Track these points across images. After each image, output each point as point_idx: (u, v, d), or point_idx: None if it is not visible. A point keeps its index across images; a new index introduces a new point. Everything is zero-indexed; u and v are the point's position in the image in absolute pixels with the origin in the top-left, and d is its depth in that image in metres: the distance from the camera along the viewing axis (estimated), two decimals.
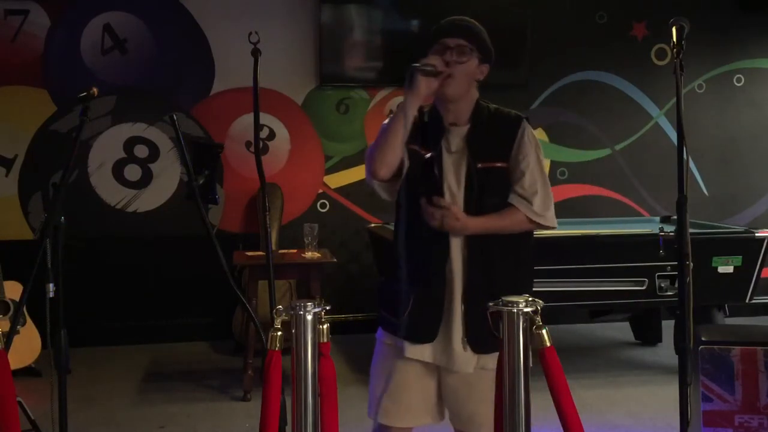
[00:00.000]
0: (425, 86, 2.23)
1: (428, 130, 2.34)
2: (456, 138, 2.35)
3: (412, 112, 2.24)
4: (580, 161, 6.35)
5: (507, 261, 2.34)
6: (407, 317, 2.32)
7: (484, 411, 2.23)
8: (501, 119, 2.38)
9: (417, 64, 2.24)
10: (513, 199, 2.33)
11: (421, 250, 2.32)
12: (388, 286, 2.43)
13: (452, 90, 2.30)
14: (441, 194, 2.31)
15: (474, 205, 2.31)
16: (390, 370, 2.38)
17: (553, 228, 2.38)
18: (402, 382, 2.38)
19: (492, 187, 2.33)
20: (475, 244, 2.31)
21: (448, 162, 2.33)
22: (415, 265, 2.31)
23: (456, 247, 2.31)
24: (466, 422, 2.40)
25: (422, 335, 2.33)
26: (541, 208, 2.32)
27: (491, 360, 2.13)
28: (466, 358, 2.32)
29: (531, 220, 2.33)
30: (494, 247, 2.32)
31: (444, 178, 2.33)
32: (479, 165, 2.31)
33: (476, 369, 2.33)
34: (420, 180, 2.32)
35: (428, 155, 2.32)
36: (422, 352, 2.34)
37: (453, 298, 2.31)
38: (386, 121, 2.36)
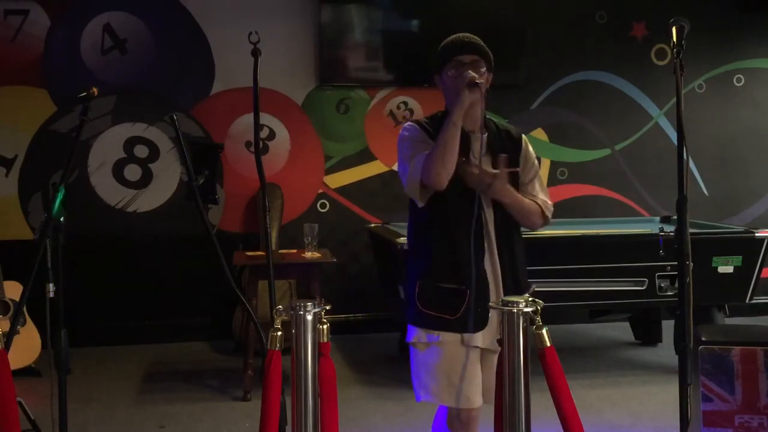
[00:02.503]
0: (470, 99, 2.50)
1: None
2: (476, 144, 2.58)
3: (460, 123, 2.50)
4: (580, 161, 6.35)
5: (521, 253, 2.68)
6: (466, 311, 2.53)
7: None
8: (506, 131, 2.70)
9: (474, 80, 2.48)
10: (529, 196, 2.67)
11: (461, 248, 2.54)
12: (434, 288, 2.56)
13: (480, 99, 2.57)
14: (473, 199, 2.56)
15: (497, 204, 2.58)
16: (458, 362, 2.56)
17: (548, 223, 2.73)
18: (474, 368, 2.58)
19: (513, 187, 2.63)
20: (502, 237, 2.60)
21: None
22: (461, 264, 2.54)
23: (489, 241, 2.58)
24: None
25: (480, 323, 2.55)
26: (549, 207, 2.70)
27: None
28: None
29: (543, 214, 2.66)
30: (515, 241, 2.65)
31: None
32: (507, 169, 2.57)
33: None
34: (452, 185, 2.50)
35: (464, 160, 2.54)
36: (480, 338, 2.56)
37: (495, 287, 2.58)
38: (409, 132, 2.60)
